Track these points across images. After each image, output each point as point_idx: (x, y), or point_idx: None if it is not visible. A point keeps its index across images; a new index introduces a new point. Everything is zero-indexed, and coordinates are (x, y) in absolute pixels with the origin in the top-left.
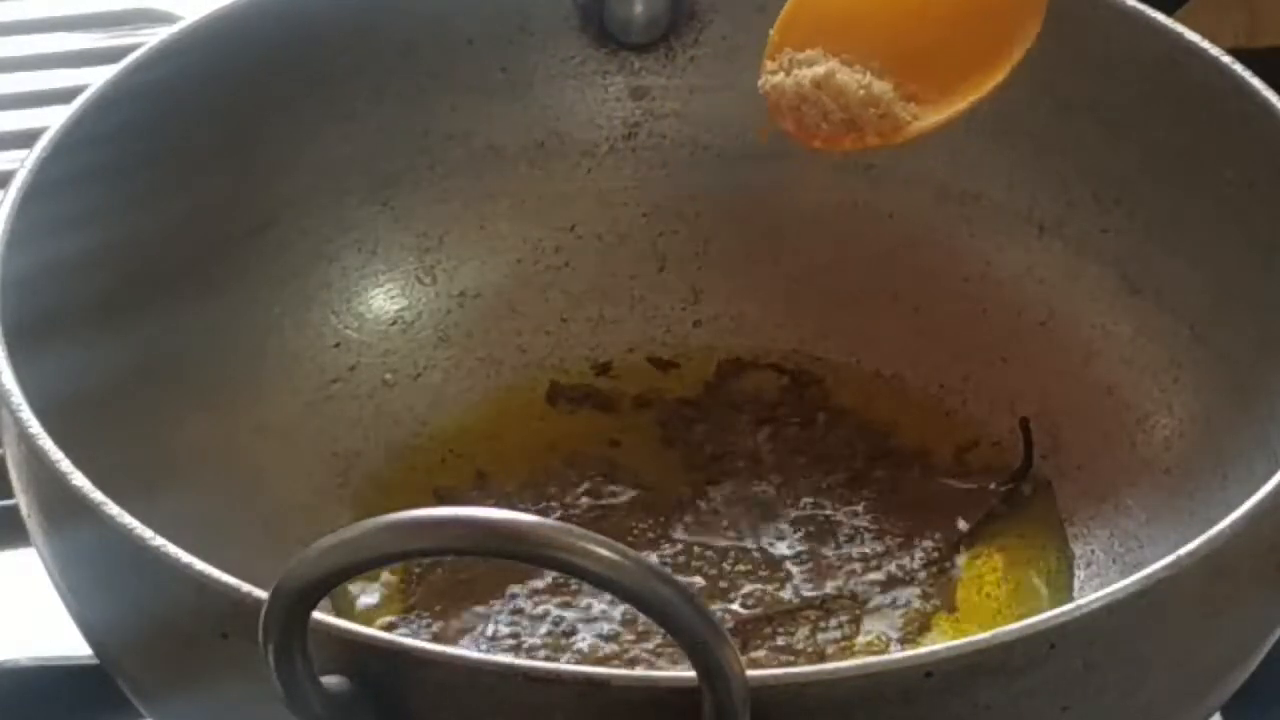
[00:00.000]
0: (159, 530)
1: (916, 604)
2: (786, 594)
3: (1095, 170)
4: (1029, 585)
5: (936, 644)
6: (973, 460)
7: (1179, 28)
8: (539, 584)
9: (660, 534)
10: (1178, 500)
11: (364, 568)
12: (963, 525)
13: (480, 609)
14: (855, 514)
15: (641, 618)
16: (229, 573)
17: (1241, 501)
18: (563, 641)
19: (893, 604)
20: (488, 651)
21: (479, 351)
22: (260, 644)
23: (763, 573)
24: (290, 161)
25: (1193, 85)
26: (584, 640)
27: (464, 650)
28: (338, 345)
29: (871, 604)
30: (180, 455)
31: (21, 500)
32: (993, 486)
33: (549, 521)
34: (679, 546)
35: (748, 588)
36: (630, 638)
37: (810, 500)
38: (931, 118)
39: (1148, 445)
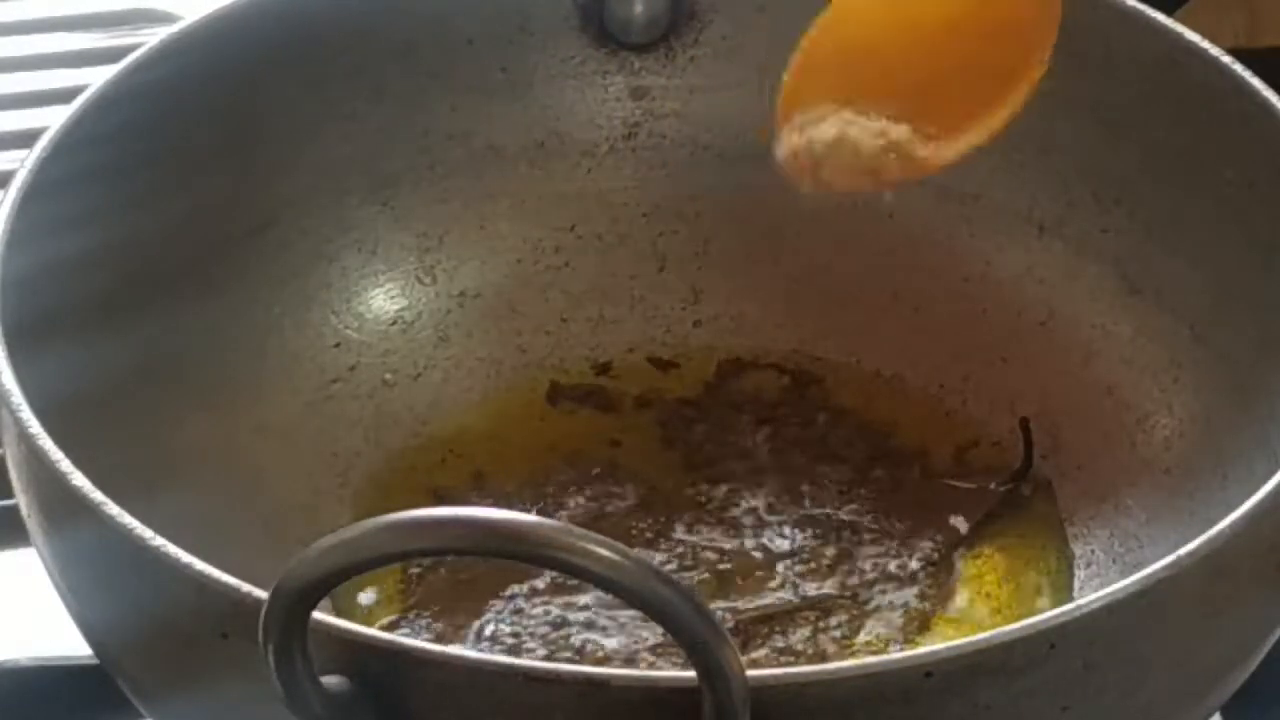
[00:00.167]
0: (159, 530)
1: (916, 604)
2: (786, 594)
3: (1095, 170)
4: (1029, 585)
5: (936, 644)
6: (973, 460)
7: (1179, 28)
8: (539, 584)
9: (660, 534)
10: (1178, 500)
11: (364, 568)
12: (963, 525)
13: (480, 609)
14: (855, 514)
15: (641, 617)
16: (229, 573)
17: (1241, 501)
18: (562, 641)
19: (893, 604)
20: (487, 651)
21: (479, 351)
22: (260, 644)
23: (762, 573)
24: (290, 161)
25: (1193, 85)
26: (584, 640)
27: (464, 650)
28: (338, 345)
29: (871, 604)
30: (180, 455)
31: (21, 500)
32: (993, 486)
33: (549, 521)
34: (679, 546)
35: (746, 589)
36: (631, 637)
37: (810, 500)
38: (952, 151)
39: (1148, 445)
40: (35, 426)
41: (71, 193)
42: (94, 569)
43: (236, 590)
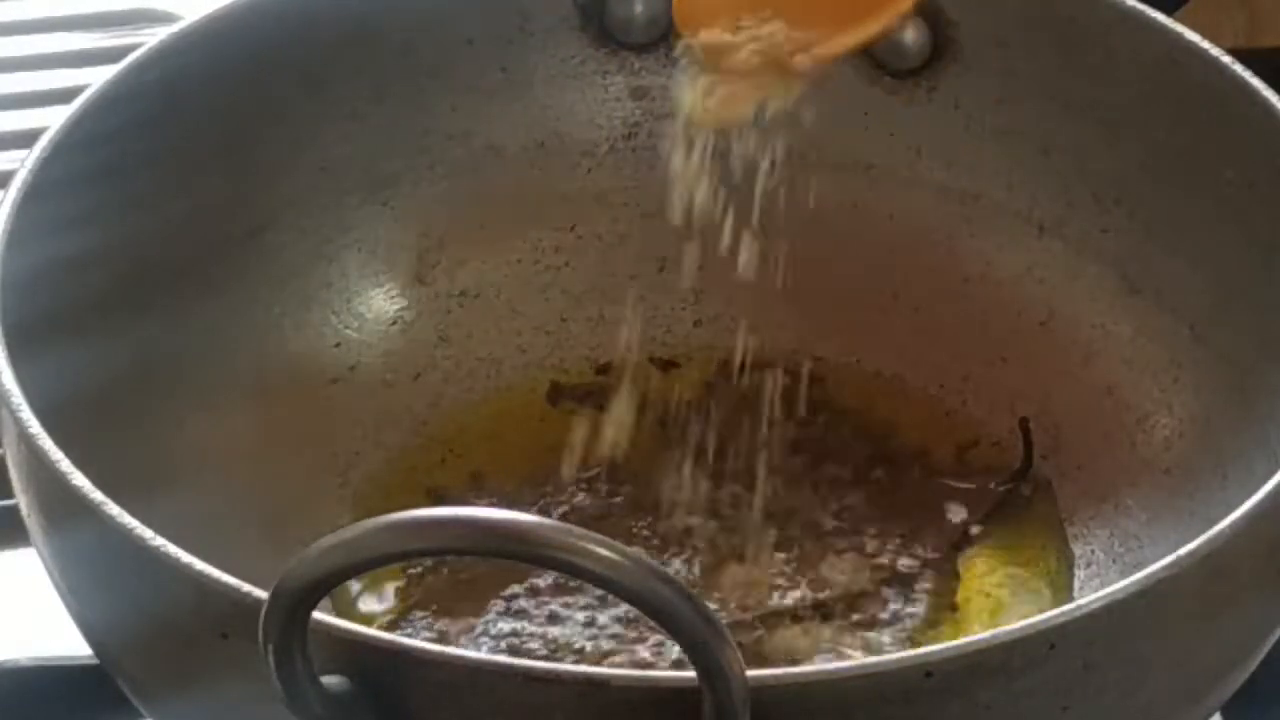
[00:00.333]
0: (159, 530)
1: (916, 604)
2: (785, 594)
3: (1095, 170)
4: (1029, 585)
5: (936, 644)
6: (973, 460)
7: (1179, 28)
8: (539, 584)
9: (660, 534)
10: (1178, 500)
11: (364, 568)
12: (963, 525)
13: (480, 609)
14: (855, 514)
15: (642, 618)
16: (229, 573)
17: (1241, 501)
18: (562, 641)
19: (893, 604)
20: (488, 651)
21: (479, 351)
22: (260, 644)
23: (762, 573)
24: (290, 161)
25: (1193, 85)
26: (584, 640)
27: (464, 650)
28: (338, 345)
29: (872, 604)
30: (180, 455)
31: (21, 500)
32: (993, 486)
33: (549, 521)
34: (679, 547)
35: (746, 589)
36: (631, 637)
37: (811, 500)
38: (826, 52)
39: (1148, 445)
40: (35, 426)
41: (71, 193)
42: (94, 569)
43: (237, 590)
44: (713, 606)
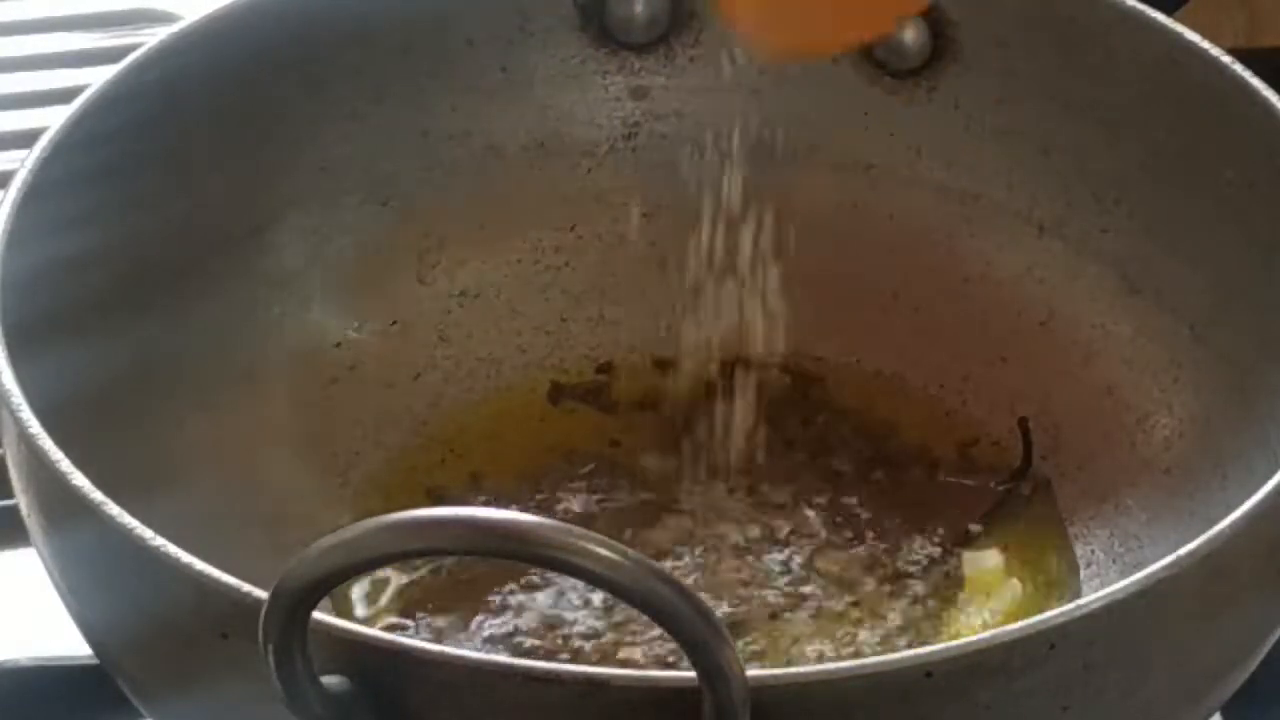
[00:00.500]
0: (159, 530)
1: (916, 603)
2: (785, 594)
3: (1095, 170)
4: (1029, 585)
5: (936, 644)
6: (973, 460)
7: (1179, 28)
8: (539, 583)
9: (658, 533)
10: (1178, 500)
11: (364, 568)
12: (963, 525)
13: (480, 609)
14: (855, 514)
15: (642, 617)
16: (229, 573)
17: (1241, 501)
18: (562, 641)
19: (892, 604)
20: (488, 651)
21: (479, 352)
22: (260, 644)
23: (762, 572)
24: (290, 161)
25: (1193, 85)
26: (584, 640)
27: (464, 650)
28: (337, 345)
29: (871, 603)
30: (180, 455)
31: (21, 500)
32: (993, 486)
33: (549, 521)
34: (677, 546)
35: (745, 588)
36: (631, 637)
37: (810, 500)
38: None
39: (1148, 445)
40: (35, 426)
41: (71, 193)
42: (94, 569)
43: (236, 590)
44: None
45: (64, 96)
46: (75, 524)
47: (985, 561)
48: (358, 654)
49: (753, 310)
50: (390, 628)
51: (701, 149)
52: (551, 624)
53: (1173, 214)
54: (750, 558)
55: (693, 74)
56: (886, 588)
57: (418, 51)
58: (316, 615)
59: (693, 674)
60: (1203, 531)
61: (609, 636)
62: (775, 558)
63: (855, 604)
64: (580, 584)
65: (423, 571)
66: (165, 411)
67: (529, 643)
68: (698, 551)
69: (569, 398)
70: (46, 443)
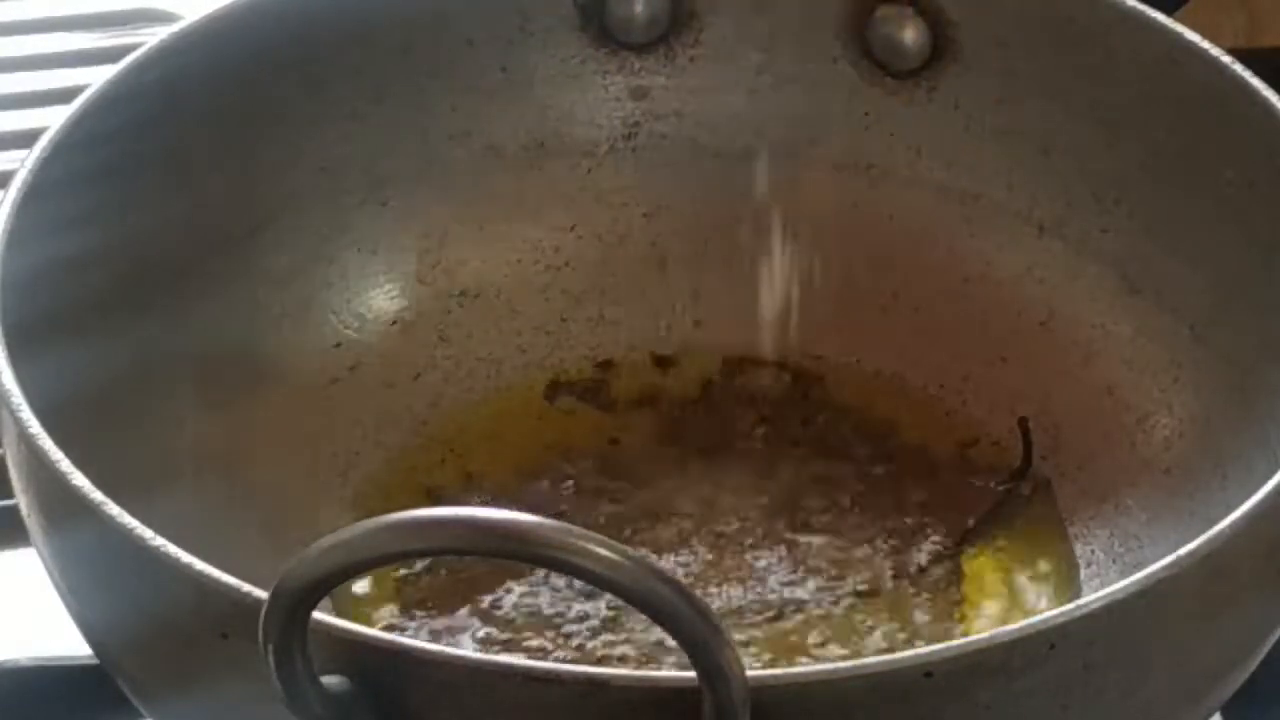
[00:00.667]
0: (159, 530)
1: (916, 603)
2: (786, 593)
3: (1095, 170)
4: (1029, 585)
5: (936, 644)
6: (973, 460)
7: (1179, 28)
8: (540, 583)
9: (659, 533)
10: (1178, 500)
11: (364, 568)
12: (963, 525)
13: (480, 608)
14: (855, 513)
15: (642, 617)
16: (229, 573)
17: (1241, 501)
18: (563, 641)
19: (893, 604)
20: (488, 651)
21: (479, 351)
22: (260, 644)
23: (761, 572)
24: (290, 161)
25: (1193, 85)
26: (585, 639)
27: (464, 650)
28: (338, 345)
29: (871, 605)
30: (180, 455)
31: (21, 500)
32: (993, 486)
33: (549, 521)
34: (677, 545)
35: (746, 587)
36: (631, 637)
37: (810, 499)
38: None
39: (1148, 445)
40: (35, 426)
41: (71, 193)
42: (94, 569)
43: (236, 590)
44: (712, 605)
45: (64, 96)
46: (75, 524)
47: (985, 561)
48: (358, 654)
49: (753, 310)
50: (390, 628)
51: (701, 149)
52: (552, 623)
53: (1173, 214)
54: (750, 557)
55: (693, 74)
56: (886, 587)
57: (417, 51)
58: (316, 615)
59: (693, 674)
60: (1203, 531)
61: (609, 635)
62: (775, 557)
63: (855, 604)
64: (580, 583)
65: (423, 571)
66: (165, 411)
67: (529, 642)
68: (697, 551)
69: (568, 397)
70: (46, 443)
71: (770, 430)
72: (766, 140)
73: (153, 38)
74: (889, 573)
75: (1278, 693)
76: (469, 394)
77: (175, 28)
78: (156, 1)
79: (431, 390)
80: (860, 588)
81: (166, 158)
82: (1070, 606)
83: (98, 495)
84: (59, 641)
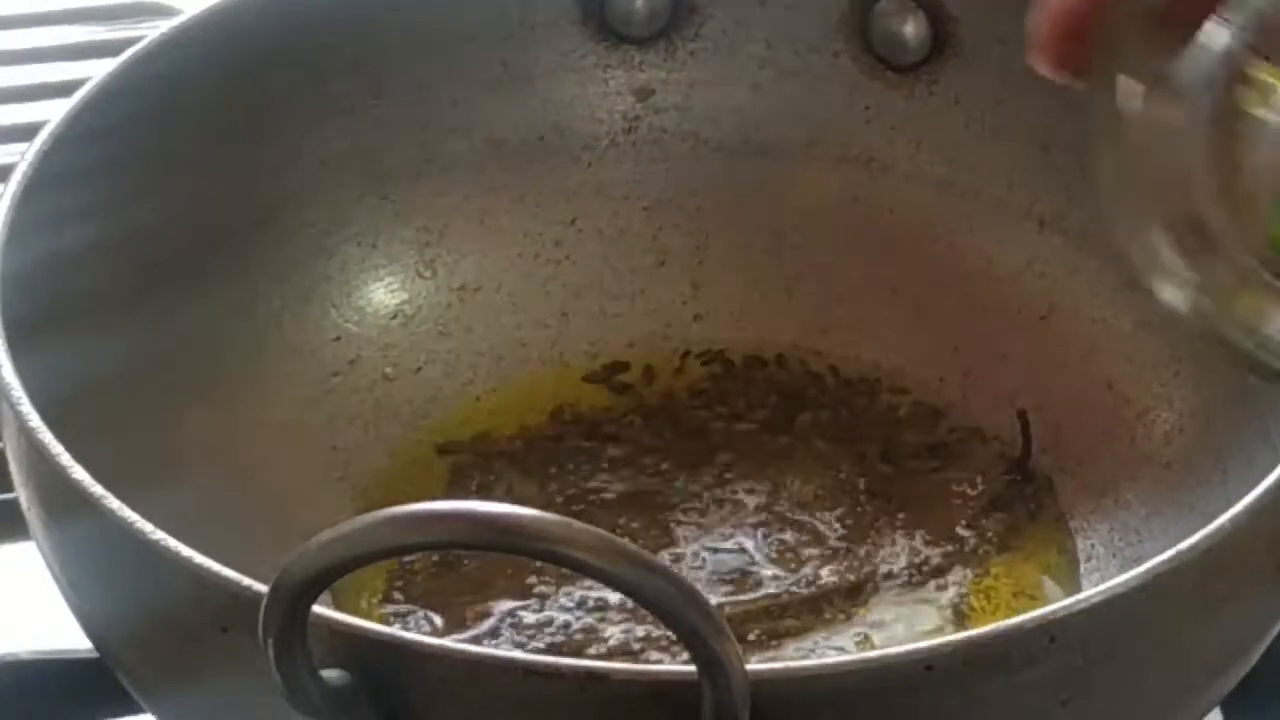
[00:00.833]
0: (159, 524)
1: (916, 598)
2: (786, 587)
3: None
4: (1029, 579)
5: (937, 638)
6: (973, 454)
7: None
8: (540, 576)
9: (659, 528)
10: (1178, 495)
11: (364, 561)
12: (963, 520)
13: (481, 602)
14: (856, 509)
15: (643, 611)
16: (229, 566)
17: (1241, 496)
18: (563, 635)
19: (892, 598)
20: (488, 645)
21: (479, 345)
22: (260, 638)
23: (761, 566)
24: (290, 155)
25: None
26: (584, 633)
27: (464, 644)
28: (338, 339)
29: (871, 598)
30: (181, 449)
31: (21, 494)
32: (993, 480)
33: (548, 515)
34: (678, 541)
35: (746, 582)
36: (631, 631)
37: (810, 495)
38: None
39: (1148, 440)
40: (35, 420)
41: (71, 187)
42: (94, 563)
43: (236, 584)
44: (713, 601)
45: (64, 90)
46: (75, 518)
47: (985, 556)
48: (358, 647)
49: (753, 304)
50: (390, 621)
51: (702, 143)
52: (552, 616)
53: None
54: (749, 551)
55: (693, 68)
56: (887, 581)
57: (418, 45)
58: (316, 609)
59: (693, 668)
60: (1203, 526)
61: (610, 629)
62: (775, 551)
63: (855, 597)
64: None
65: (423, 564)
66: (166, 405)
67: (530, 636)
68: (697, 544)
69: (569, 391)
70: (47, 436)
71: (770, 423)
72: (767, 134)
73: (153, 32)
74: (889, 567)
75: (1278, 687)
76: (469, 388)
77: (175, 22)
78: None
79: (431, 384)
80: (859, 581)
81: (166, 152)
82: (1070, 601)
83: (98, 489)
84: (59, 635)
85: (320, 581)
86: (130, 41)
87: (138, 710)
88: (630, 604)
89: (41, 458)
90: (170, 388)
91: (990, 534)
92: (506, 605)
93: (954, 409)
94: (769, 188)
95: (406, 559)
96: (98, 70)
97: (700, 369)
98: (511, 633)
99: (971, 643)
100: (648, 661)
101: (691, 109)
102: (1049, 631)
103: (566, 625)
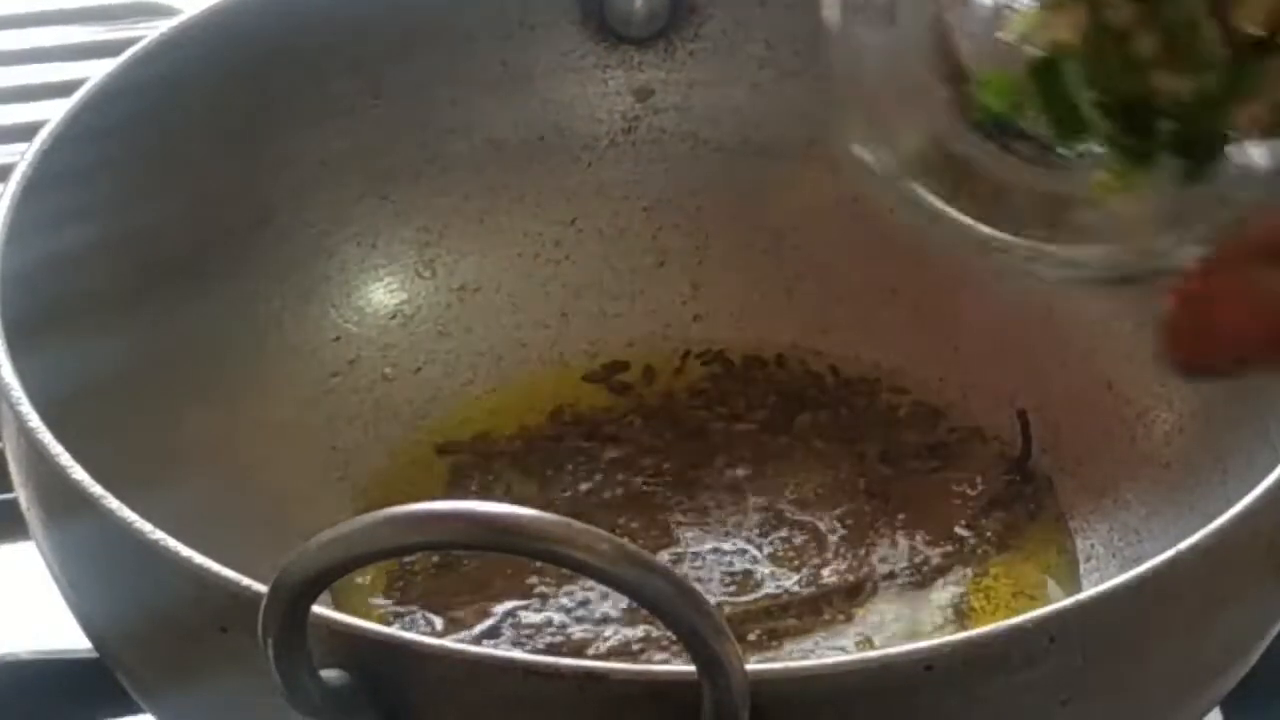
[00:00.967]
0: (159, 524)
1: (916, 597)
2: (786, 587)
3: None
4: (1029, 579)
5: (937, 637)
6: (973, 454)
7: None
8: (540, 577)
9: (659, 528)
10: (1177, 495)
11: (363, 562)
12: (963, 520)
13: (481, 602)
14: (856, 509)
15: (644, 611)
16: (229, 567)
17: (1241, 496)
18: (563, 635)
19: (892, 597)
20: (487, 645)
21: (479, 345)
22: (260, 638)
23: (761, 566)
24: (290, 155)
25: None
26: (584, 633)
27: (463, 644)
28: (337, 339)
29: (872, 597)
30: (180, 449)
31: (21, 494)
32: (993, 480)
33: (547, 515)
34: (678, 541)
35: (746, 582)
36: (631, 631)
37: (810, 493)
38: None
39: (1148, 440)
40: (35, 420)
41: (71, 186)
42: (94, 563)
43: (236, 584)
44: (712, 601)
45: (64, 90)
46: (75, 518)
47: (985, 556)
48: (357, 648)
49: (752, 303)
50: (390, 621)
51: (702, 143)
52: (552, 617)
53: None
54: (749, 551)
55: (692, 68)
56: (886, 581)
57: (417, 46)
58: (316, 609)
59: (692, 668)
60: (1202, 526)
61: (611, 629)
62: (775, 551)
63: (855, 597)
64: (582, 577)
65: (422, 564)
66: (165, 405)
67: (529, 636)
68: (697, 544)
69: (569, 391)
70: (46, 437)
71: (770, 423)
72: (767, 134)
73: (153, 32)
74: (888, 567)
75: (1277, 687)
76: (469, 388)
77: (175, 22)
78: None
79: (431, 384)
80: (859, 582)
81: (166, 152)
82: (1070, 600)
83: (98, 489)
84: (59, 635)
85: (320, 581)
86: (130, 41)
87: (138, 710)
88: (630, 604)
89: (41, 458)
90: (170, 388)
91: (990, 534)
92: (506, 605)
93: (954, 409)
94: (769, 188)
95: (406, 559)
96: (98, 70)
97: (700, 369)
98: (511, 633)
99: (971, 643)
100: (648, 662)
101: (691, 109)
102: (1049, 631)
103: (566, 625)
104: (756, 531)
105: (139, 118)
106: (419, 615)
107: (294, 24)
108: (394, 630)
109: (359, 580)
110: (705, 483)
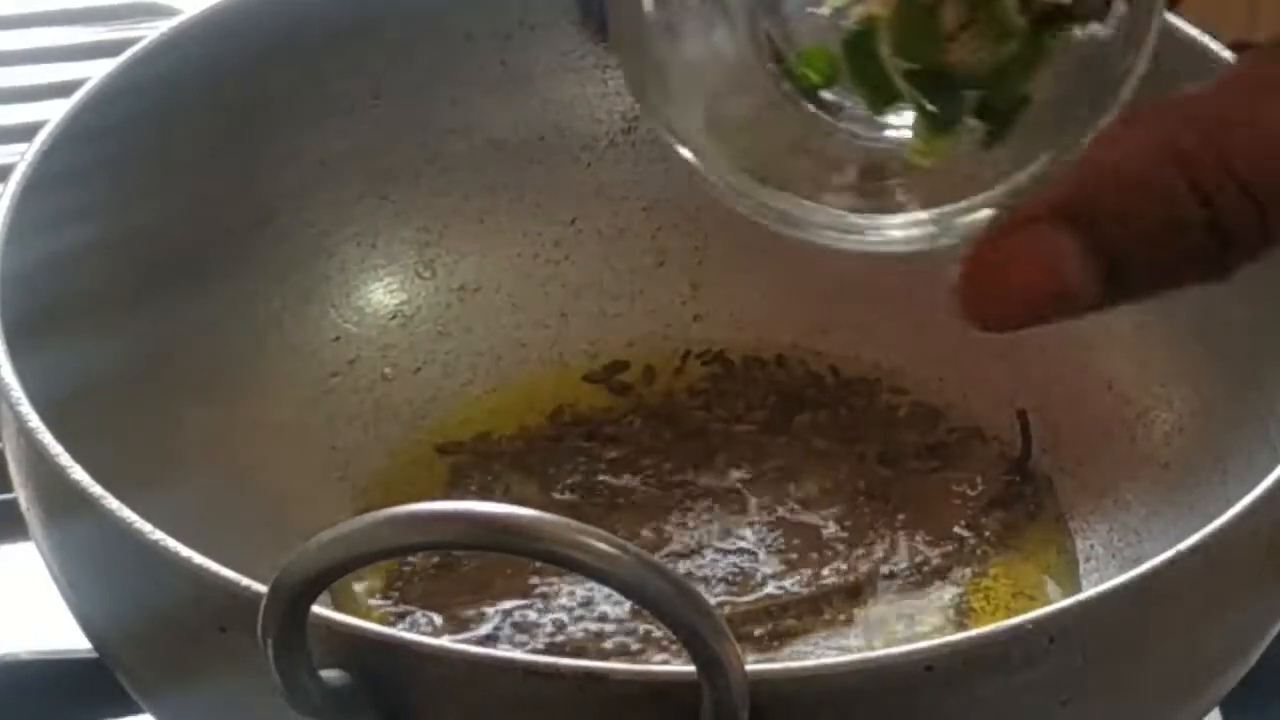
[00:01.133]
0: (158, 524)
1: (916, 598)
2: (785, 588)
3: None
4: (1029, 579)
5: (937, 638)
6: (973, 454)
7: (1178, 22)
8: (540, 577)
9: (659, 529)
10: (1177, 495)
11: (363, 562)
12: (963, 520)
13: (480, 602)
14: (856, 509)
15: (642, 611)
16: (228, 567)
17: (1240, 496)
18: (563, 635)
19: (892, 598)
20: (487, 645)
21: (478, 345)
22: (259, 638)
23: (761, 567)
24: (290, 155)
25: (1191, 79)
26: (584, 633)
27: (463, 644)
28: (337, 339)
29: (871, 598)
30: (180, 449)
31: (21, 494)
32: (993, 480)
33: (548, 516)
34: (677, 542)
35: (746, 583)
36: (632, 631)
37: (810, 495)
38: None
39: (1147, 440)
40: (35, 420)
41: (71, 187)
42: (93, 563)
43: (236, 584)
44: (712, 601)
45: (64, 90)
46: (75, 518)
47: (985, 556)
48: (357, 648)
49: (752, 304)
50: (390, 621)
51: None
52: (552, 617)
53: None
54: (749, 552)
55: None
56: (886, 581)
57: (417, 45)
58: (316, 609)
59: (692, 668)
60: (1202, 526)
61: (611, 629)
62: (773, 552)
63: (855, 597)
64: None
65: (422, 564)
66: (165, 405)
67: (529, 636)
68: (696, 546)
69: (569, 391)
70: (46, 437)
71: (770, 423)
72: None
73: (152, 32)
74: (889, 567)
75: (1277, 687)
76: (469, 388)
77: (174, 22)
78: None
79: (431, 384)
80: (859, 582)
81: (166, 152)
82: (1070, 601)
83: (97, 489)
84: (59, 635)
85: (320, 582)
86: (130, 41)
87: (138, 710)
88: (630, 604)
89: (41, 458)
90: (170, 388)
91: (990, 534)
92: (506, 605)
93: (954, 409)
94: None
95: (406, 559)
96: (98, 70)
97: (700, 369)
98: (511, 633)
99: (971, 643)
100: (648, 662)
101: None
102: (1049, 632)
103: (566, 625)
104: (756, 532)
105: (138, 118)
106: (419, 615)
107: (294, 24)
108: (394, 630)
109: (359, 580)
110: (705, 483)
